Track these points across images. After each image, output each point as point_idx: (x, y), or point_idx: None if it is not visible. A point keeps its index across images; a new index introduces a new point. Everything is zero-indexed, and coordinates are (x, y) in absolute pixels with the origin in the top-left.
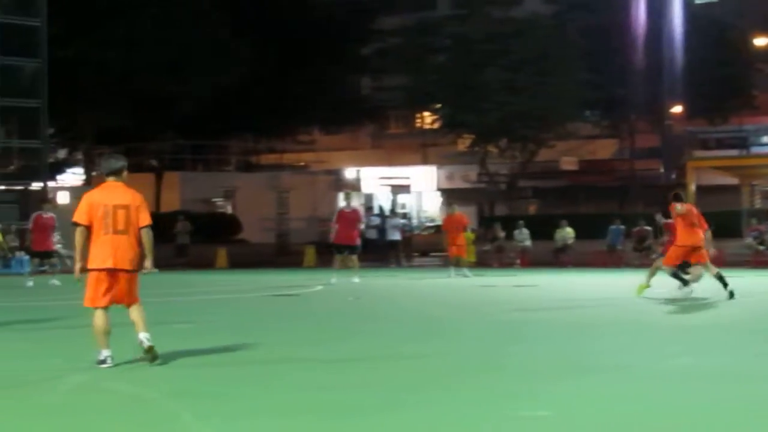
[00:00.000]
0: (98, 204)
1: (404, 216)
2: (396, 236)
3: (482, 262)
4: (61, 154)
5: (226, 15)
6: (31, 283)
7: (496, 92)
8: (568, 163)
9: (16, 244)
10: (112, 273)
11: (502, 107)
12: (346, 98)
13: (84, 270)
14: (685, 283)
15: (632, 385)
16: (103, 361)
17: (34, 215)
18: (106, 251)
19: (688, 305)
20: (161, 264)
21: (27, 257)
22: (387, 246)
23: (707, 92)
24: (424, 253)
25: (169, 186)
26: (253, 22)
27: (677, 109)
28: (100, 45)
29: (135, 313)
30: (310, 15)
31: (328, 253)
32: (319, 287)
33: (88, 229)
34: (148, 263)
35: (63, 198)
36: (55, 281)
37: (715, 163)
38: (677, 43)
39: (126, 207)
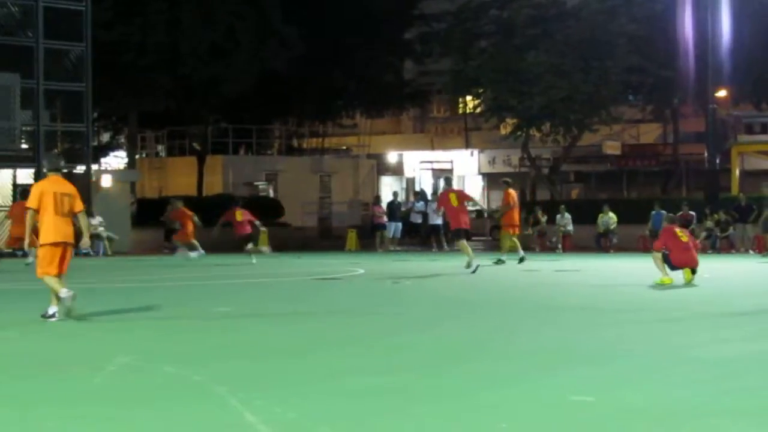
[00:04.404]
0: (48, 192)
1: None
2: (438, 220)
3: (524, 247)
4: (105, 137)
5: None
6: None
7: (540, 76)
8: (612, 148)
9: None
10: (60, 246)
11: (546, 91)
12: (389, 82)
13: (34, 245)
14: None
15: (659, 373)
16: (52, 316)
17: None
18: (55, 229)
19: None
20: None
21: None
22: (429, 230)
23: (754, 77)
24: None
25: (212, 169)
26: (297, 6)
27: (723, 93)
28: (145, 28)
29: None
30: None
31: (369, 237)
32: (361, 271)
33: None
34: (85, 240)
35: (106, 182)
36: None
37: (761, 148)
38: (724, 28)
39: (69, 195)
